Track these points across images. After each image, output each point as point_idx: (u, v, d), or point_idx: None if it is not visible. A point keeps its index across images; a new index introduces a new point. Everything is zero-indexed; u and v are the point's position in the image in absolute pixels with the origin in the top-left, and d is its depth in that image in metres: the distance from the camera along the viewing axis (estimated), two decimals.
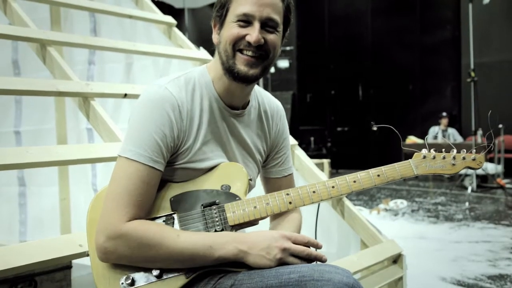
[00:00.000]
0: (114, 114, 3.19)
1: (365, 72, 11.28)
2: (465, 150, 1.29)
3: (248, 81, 1.23)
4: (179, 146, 1.21)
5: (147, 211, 1.17)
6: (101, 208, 1.16)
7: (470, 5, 7.59)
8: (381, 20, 11.19)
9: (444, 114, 9.23)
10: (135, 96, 2.42)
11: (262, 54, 1.21)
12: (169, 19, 3.18)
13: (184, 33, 3.38)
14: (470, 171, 7.47)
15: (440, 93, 10.52)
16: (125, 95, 2.33)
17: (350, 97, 11.43)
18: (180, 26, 3.81)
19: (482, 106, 7.33)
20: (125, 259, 1.13)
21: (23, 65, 3.48)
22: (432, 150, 1.29)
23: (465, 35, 9.19)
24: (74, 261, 2.41)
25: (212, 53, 3.07)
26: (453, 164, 1.28)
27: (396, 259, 2.29)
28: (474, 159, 1.28)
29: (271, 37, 1.21)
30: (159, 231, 1.12)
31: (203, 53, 3.03)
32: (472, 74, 7.19)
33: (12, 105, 3.53)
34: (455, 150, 1.29)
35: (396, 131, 1.42)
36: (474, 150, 1.29)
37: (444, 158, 1.28)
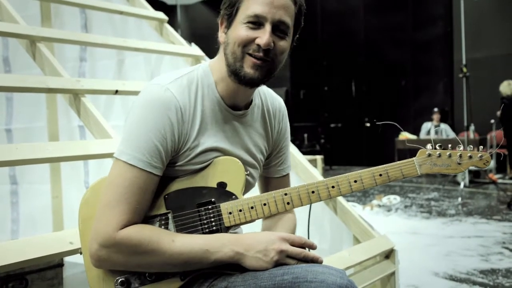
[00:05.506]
0: (106, 111, 3.17)
1: (358, 68, 11.30)
2: (471, 146, 1.22)
3: (253, 84, 1.20)
4: (180, 148, 1.17)
5: (143, 216, 1.14)
6: (94, 205, 1.13)
7: (462, 1, 7.62)
8: (373, 16, 11.21)
9: (436, 109, 9.27)
10: (126, 93, 2.40)
11: (270, 58, 1.17)
12: (161, 15, 3.16)
13: (176, 30, 3.37)
14: None
15: (432, 88, 10.55)
16: (116, 92, 2.31)
17: (343, 93, 11.46)
18: (172, 23, 3.79)
19: (474, 101, 7.36)
20: (119, 266, 1.11)
21: (13, 62, 3.45)
22: (437, 147, 1.21)
23: (457, 31, 9.23)
24: (67, 260, 2.40)
25: (204, 49, 3.07)
26: (459, 163, 1.20)
27: (389, 254, 2.29)
28: (481, 158, 1.21)
29: (280, 43, 1.17)
30: (154, 237, 1.09)
31: (195, 49, 3.01)
32: (464, 69, 7.22)
33: (3, 103, 3.50)
34: (461, 147, 1.21)
35: (400, 127, 1.36)
36: (482, 147, 1.22)
37: (450, 156, 1.20)
